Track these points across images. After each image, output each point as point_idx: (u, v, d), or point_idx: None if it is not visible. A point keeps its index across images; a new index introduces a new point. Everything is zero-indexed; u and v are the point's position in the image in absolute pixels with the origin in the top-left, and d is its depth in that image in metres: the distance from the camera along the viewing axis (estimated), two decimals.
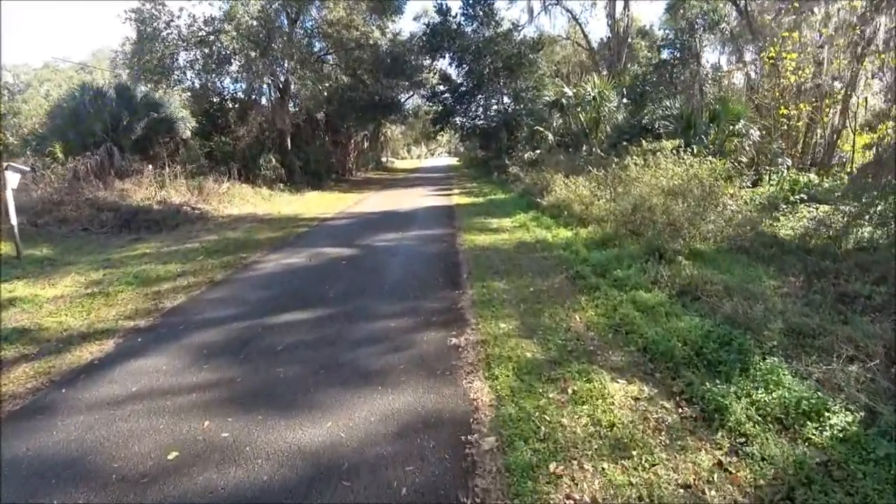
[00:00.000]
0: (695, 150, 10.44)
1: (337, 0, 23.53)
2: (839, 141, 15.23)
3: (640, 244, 6.88)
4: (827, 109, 16.56)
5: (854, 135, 14.99)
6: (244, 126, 20.61)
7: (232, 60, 17.40)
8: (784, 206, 8.81)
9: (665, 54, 31.33)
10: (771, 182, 11.83)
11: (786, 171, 13.24)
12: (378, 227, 10.08)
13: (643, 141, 14.61)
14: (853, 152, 15.25)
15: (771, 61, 20.24)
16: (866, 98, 16.38)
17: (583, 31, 34.01)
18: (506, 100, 25.77)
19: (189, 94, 19.55)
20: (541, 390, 3.16)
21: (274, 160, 19.68)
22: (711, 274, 5.38)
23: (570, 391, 3.14)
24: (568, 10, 33.58)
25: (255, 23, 16.03)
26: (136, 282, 6.41)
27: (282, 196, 17.97)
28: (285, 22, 22.31)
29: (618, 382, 3.24)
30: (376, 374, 3.55)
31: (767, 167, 13.40)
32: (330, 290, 5.63)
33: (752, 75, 25.39)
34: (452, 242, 8.05)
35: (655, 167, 9.92)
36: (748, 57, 27.89)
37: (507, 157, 22.07)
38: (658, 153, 10.56)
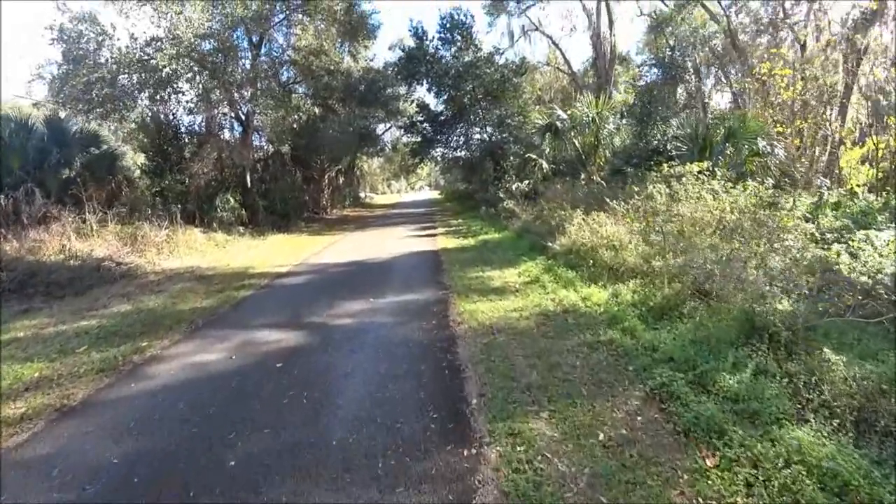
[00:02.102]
0: (717, 174, 8.51)
1: (306, 25, 21.76)
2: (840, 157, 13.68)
3: (714, 312, 4.63)
4: (823, 125, 15.35)
5: (843, 149, 13.55)
6: (199, 162, 18.20)
7: (179, 85, 15.07)
8: (831, 235, 6.70)
9: (650, 76, 30.31)
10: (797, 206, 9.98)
11: (826, 192, 11.14)
12: (343, 288, 7.63)
13: (653, 165, 12.80)
14: (843, 168, 13.84)
15: (762, 78, 18.96)
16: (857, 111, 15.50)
17: (563, 56, 32.91)
18: (489, 128, 23.89)
19: (134, 125, 17.09)
20: None
21: (233, 200, 17.26)
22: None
23: None
24: (547, 36, 32.55)
25: (205, 44, 13.84)
26: None
27: (239, 242, 15.48)
28: (246, 46, 20.30)
29: None
30: None
31: (790, 188, 11.49)
32: (230, 455, 3.15)
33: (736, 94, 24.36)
34: (444, 318, 5.62)
35: (690, 198, 7.90)
36: (730, 76, 26.90)
37: (496, 189, 20.01)
38: (682, 179, 8.60)
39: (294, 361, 4.58)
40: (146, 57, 13.25)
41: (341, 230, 18.96)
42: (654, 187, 8.69)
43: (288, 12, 21.14)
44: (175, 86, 14.71)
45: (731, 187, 7.98)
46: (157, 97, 15.30)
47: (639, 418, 3.16)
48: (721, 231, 6.77)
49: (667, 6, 27.44)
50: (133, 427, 3.57)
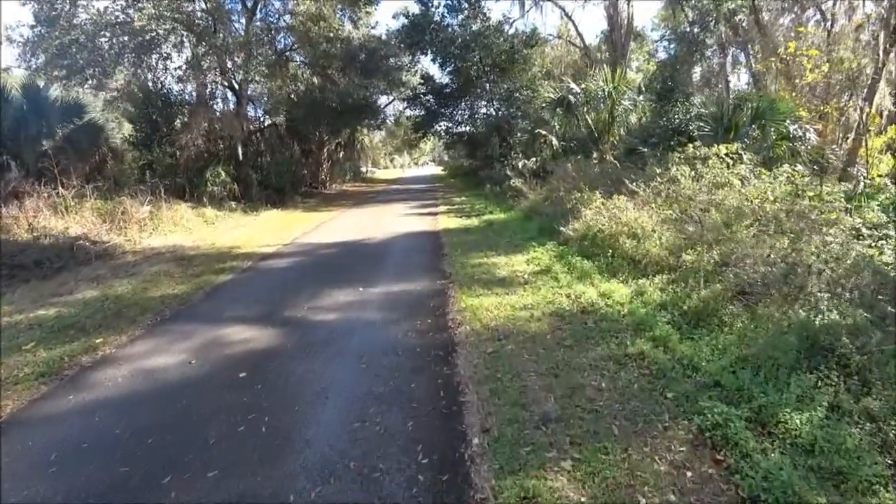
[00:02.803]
0: (744, 158, 7.67)
1: None
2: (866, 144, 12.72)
3: (760, 321, 3.88)
4: (848, 110, 14.51)
5: (869, 137, 12.66)
6: (189, 133, 17.28)
7: (164, 50, 14.06)
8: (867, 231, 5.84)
9: (668, 52, 28.93)
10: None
11: (862, 182, 10.23)
12: (331, 274, 6.88)
13: (674, 145, 11.92)
14: (864, 157, 12.90)
15: (786, 58, 18.02)
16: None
17: (576, 29, 31.46)
18: (496, 103, 22.78)
19: (116, 93, 16.13)
20: None
21: (224, 174, 16.39)
22: None
23: None
24: (559, 6, 31.10)
25: (189, 5, 12.79)
26: None
27: (230, 218, 14.70)
28: (240, 10, 19.18)
29: None
30: None
31: (821, 176, 10.62)
32: None
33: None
34: (442, 315, 4.85)
35: (718, 183, 7.17)
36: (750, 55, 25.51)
37: (501, 166, 19.11)
38: (708, 161, 7.84)
39: (261, 370, 3.85)
40: (126, 19, 12.24)
41: (338, 206, 18.14)
42: (678, 169, 7.92)
43: None
44: (159, 50, 13.71)
45: (762, 173, 7.22)
46: (142, 63, 14.32)
47: (688, 474, 2.42)
48: (759, 222, 5.97)
49: None
50: (53, 461, 2.86)
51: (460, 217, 12.25)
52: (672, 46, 21.74)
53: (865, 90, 20.42)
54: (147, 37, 11.80)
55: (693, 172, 7.87)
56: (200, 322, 5.16)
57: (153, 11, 11.24)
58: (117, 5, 12.36)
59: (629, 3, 22.73)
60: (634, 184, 8.02)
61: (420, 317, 4.86)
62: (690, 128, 11.86)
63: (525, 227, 9.59)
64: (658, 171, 8.43)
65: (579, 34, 31.30)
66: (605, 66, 22.94)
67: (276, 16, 21.00)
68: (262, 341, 4.48)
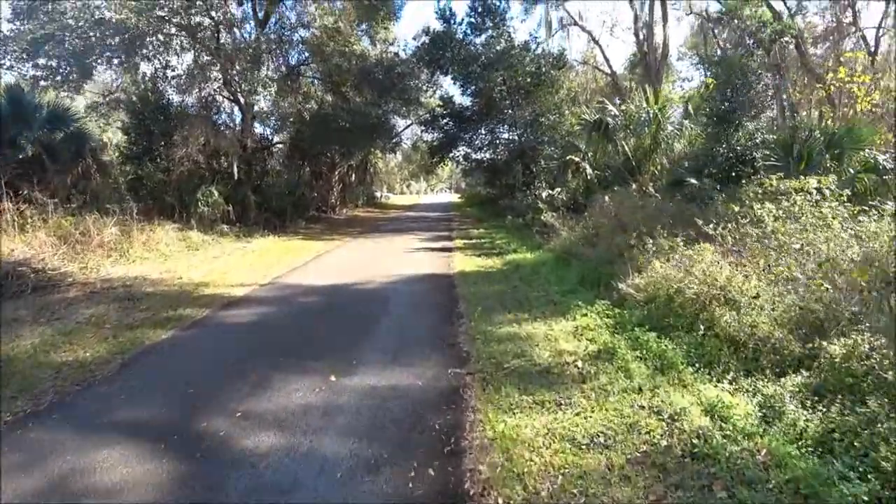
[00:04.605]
0: (827, 194, 5.95)
1: (321, 2, 19.30)
2: None
3: None
4: None
5: None
6: (184, 148, 15.79)
7: (163, 55, 12.61)
8: None
9: (698, 79, 27.19)
10: None
11: None
12: (298, 343, 4.92)
13: (736, 177, 10.13)
14: None
15: (834, 85, 16.45)
16: None
17: (603, 54, 30.24)
18: (519, 128, 21.09)
19: (103, 98, 14.72)
20: None
21: (216, 194, 14.76)
22: None
23: None
24: (587, 31, 29.78)
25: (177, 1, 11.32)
26: None
27: (218, 244, 13.00)
28: (251, 16, 17.91)
29: None
30: None
31: None
32: None
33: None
34: (457, 455, 2.78)
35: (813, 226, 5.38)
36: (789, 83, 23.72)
37: (524, 196, 17.30)
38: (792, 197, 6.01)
39: None
40: (112, 16, 10.79)
41: (344, 234, 16.37)
42: (762, 207, 6.06)
43: None
44: (151, 52, 12.26)
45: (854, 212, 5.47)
46: (132, 66, 12.90)
47: None
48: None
49: (720, 2, 24.49)
50: None
51: (479, 255, 10.30)
52: (712, 70, 20.00)
53: None
54: (129, 34, 10.25)
55: (781, 212, 6.03)
56: (71, 431, 3.26)
57: (134, 4, 9.73)
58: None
59: (665, 24, 21.17)
60: (712, 226, 6.07)
61: (415, 460, 2.82)
62: (756, 156, 9.98)
63: (561, 274, 7.62)
64: (736, 209, 6.53)
65: (606, 59, 29.96)
66: (635, 91, 21.25)
67: (290, 28, 19.73)
68: (133, 492, 2.56)
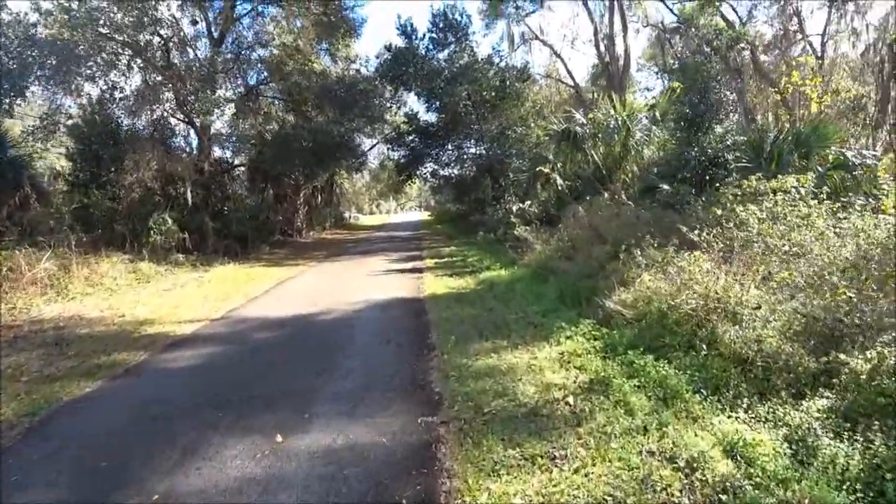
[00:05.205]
0: (802, 192, 6.10)
1: (279, 20, 18.73)
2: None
3: None
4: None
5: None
6: (135, 174, 14.84)
7: (90, 70, 11.73)
8: None
9: (658, 88, 27.63)
10: None
11: None
12: (244, 395, 4.13)
13: (711, 180, 9.96)
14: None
15: (788, 89, 16.99)
16: None
17: (565, 66, 30.43)
18: (486, 142, 20.81)
19: (44, 122, 13.70)
20: None
21: (170, 221, 13.84)
22: None
23: None
24: (548, 45, 29.98)
25: (120, 15, 10.55)
26: None
27: (172, 274, 12.10)
28: (204, 34, 17.18)
29: None
30: None
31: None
32: None
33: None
34: None
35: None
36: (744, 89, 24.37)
37: (494, 211, 16.93)
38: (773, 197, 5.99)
39: None
40: (45, 32, 9.97)
41: (308, 258, 15.58)
42: (745, 209, 5.81)
43: (255, 3, 18.22)
44: (90, 71, 11.40)
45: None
46: (74, 85, 11.99)
47: None
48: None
49: (675, 14, 25.02)
50: None
51: (451, 276, 9.71)
52: (674, 76, 20.27)
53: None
54: (66, 52, 9.43)
55: (764, 213, 5.80)
56: None
57: (66, 18, 8.94)
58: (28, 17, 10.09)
59: (625, 34, 21.36)
60: (697, 233, 5.68)
61: None
62: (728, 158, 9.82)
63: (539, 291, 7.11)
64: (719, 212, 6.24)
65: (569, 72, 30.15)
66: (602, 100, 21.35)
67: (248, 47, 19.04)
68: None
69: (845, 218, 5.32)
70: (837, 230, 5.08)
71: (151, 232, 13.68)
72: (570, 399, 3.47)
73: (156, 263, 12.59)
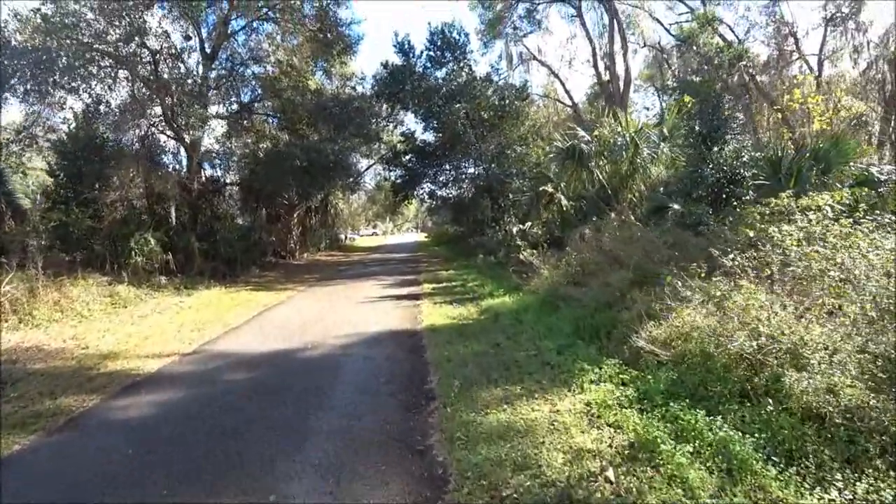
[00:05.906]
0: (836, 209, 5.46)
1: (273, 37, 18.33)
2: None
3: None
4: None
5: None
6: (119, 191, 14.17)
7: (92, 86, 11.13)
8: None
9: (657, 108, 27.37)
10: None
11: None
12: (206, 455, 3.34)
13: (729, 198, 9.32)
14: None
15: (789, 107, 16.94)
16: None
17: (563, 87, 30.14)
18: (484, 161, 20.29)
19: (20, 136, 13.03)
20: None
21: (152, 242, 13.09)
22: None
23: None
24: (546, 65, 29.83)
25: (101, 22, 9.97)
26: None
27: (153, 298, 11.32)
28: (196, 47, 16.68)
29: None
30: None
31: None
32: None
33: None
34: None
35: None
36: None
37: (494, 232, 16.32)
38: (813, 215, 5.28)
39: None
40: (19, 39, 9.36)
41: (299, 282, 14.81)
42: (780, 230, 5.18)
43: (250, 19, 17.80)
44: (75, 84, 10.77)
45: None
46: (55, 98, 11.35)
47: None
48: None
49: (672, 35, 24.91)
50: None
51: (451, 303, 8.94)
52: (679, 91, 19.96)
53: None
54: (44, 61, 8.79)
55: (801, 233, 5.17)
56: None
57: (39, 22, 8.32)
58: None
59: (625, 53, 21.06)
60: (732, 256, 5.00)
61: None
62: (745, 175, 9.25)
63: (550, 322, 6.37)
64: (751, 233, 5.62)
65: (567, 92, 29.91)
66: (607, 116, 20.97)
67: (242, 64, 18.56)
68: None
69: (885, 237, 4.72)
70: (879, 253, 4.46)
71: (133, 253, 12.93)
72: (610, 473, 2.72)
73: (136, 286, 11.81)
